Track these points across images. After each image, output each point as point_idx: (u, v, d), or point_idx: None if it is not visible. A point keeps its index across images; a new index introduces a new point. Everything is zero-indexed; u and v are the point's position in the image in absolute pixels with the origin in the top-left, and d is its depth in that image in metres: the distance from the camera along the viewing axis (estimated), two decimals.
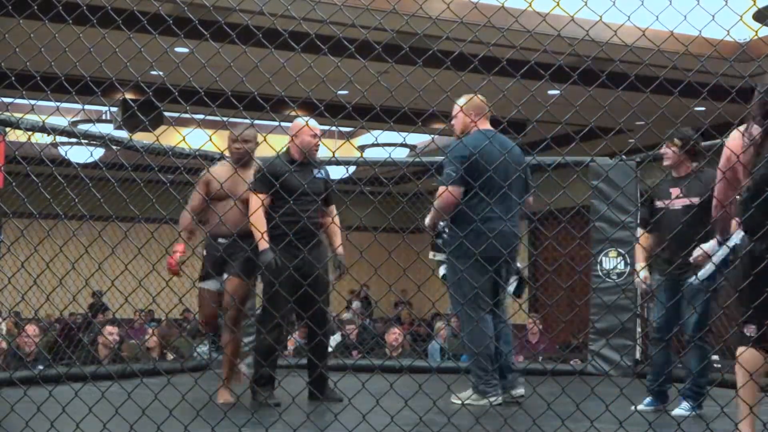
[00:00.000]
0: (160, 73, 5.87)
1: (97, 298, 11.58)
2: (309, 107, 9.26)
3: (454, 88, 3.04)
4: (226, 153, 4.56)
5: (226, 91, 3.01)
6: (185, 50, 6.32)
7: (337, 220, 4.78)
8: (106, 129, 8.87)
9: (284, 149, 4.70)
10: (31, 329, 6.93)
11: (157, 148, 5.90)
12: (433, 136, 11.28)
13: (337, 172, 7.68)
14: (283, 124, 3.86)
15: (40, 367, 5.80)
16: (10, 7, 3.94)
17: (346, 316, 9.85)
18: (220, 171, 4.57)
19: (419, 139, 12.36)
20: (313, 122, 4.68)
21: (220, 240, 4.48)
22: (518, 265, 4.81)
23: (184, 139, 5.16)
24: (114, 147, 5.62)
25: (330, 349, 5.16)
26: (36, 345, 6.82)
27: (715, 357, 6.39)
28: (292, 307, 4.52)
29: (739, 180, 3.14)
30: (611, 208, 6.31)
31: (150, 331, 7.83)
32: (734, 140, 3.15)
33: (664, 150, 4.42)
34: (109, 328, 7.03)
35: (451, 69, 3.08)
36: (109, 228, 3.32)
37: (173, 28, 3.12)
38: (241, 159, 4.62)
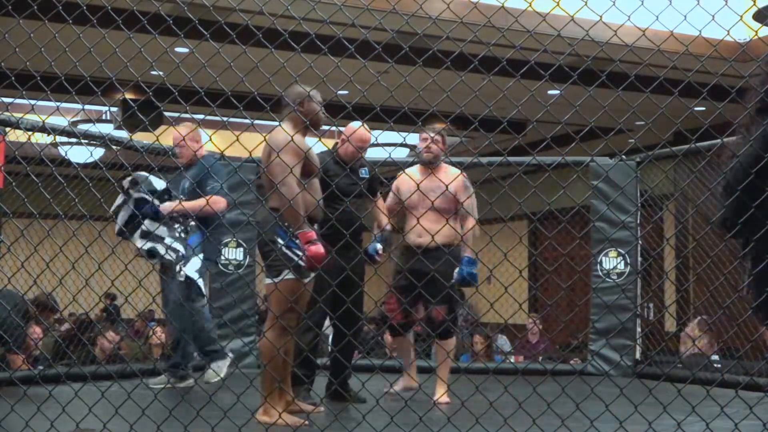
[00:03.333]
0: (160, 73, 5.87)
1: (110, 302, 11.38)
2: None
3: (454, 88, 3.04)
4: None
5: (226, 91, 3.00)
6: (185, 50, 6.32)
7: (381, 204, 4.88)
8: (106, 129, 8.88)
9: (333, 146, 4.72)
10: (35, 332, 6.90)
11: (157, 148, 5.90)
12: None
13: None
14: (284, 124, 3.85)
15: (40, 367, 5.80)
16: (10, 7, 3.94)
17: None
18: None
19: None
20: (362, 130, 4.61)
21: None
22: None
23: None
24: (114, 147, 5.61)
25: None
26: (37, 347, 6.80)
27: (715, 357, 6.39)
28: (325, 309, 4.35)
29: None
30: (611, 208, 6.31)
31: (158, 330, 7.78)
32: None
33: None
34: (110, 335, 7.01)
35: (451, 69, 3.08)
36: (109, 228, 3.31)
37: (173, 28, 3.12)
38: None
